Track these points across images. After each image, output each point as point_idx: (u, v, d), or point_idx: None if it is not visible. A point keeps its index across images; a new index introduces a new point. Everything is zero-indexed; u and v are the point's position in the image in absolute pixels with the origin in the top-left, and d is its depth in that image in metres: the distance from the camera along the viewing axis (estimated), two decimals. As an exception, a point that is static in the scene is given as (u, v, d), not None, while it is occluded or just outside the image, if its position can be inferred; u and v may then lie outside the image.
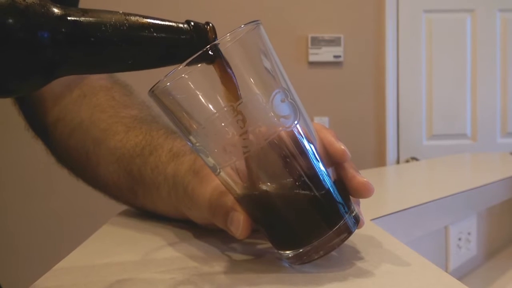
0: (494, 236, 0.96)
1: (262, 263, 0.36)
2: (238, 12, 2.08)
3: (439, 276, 0.32)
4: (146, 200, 0.51)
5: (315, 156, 0.32)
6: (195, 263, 0.36)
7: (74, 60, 0.28)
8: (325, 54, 2.17)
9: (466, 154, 1.78)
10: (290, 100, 0.32)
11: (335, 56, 2.18)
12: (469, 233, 0.83)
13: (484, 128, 2.26)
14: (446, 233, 0.77)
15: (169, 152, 0.48)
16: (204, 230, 0.44)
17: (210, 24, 0.32)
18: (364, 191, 0.34)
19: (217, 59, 0.30)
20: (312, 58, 2.16)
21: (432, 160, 1.63)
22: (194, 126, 0.31)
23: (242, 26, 0.30)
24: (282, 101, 0.31)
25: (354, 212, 0.34)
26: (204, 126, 0.31)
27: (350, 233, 0.33)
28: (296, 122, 0.31)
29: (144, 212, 0.53)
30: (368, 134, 2.24)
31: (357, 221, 0.34)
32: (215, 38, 0.32)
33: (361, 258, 0.36)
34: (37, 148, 0.65)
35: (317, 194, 0.32)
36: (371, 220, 0.52)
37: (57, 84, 0.58)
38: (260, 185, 0.32)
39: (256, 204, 0.33)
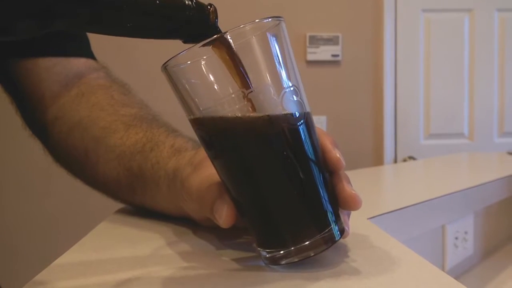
0: (490, 235, 0.96)
1: (259, 261, 0.36)
2: (236, 11, 2.07)
3: (436, 275, 0.32)
4: (145, 197, 0.51)
5: (313, 159, 0.33)
6: (193, 261, 0.36)
7: (73, 14, 0.28)
8: (323, 53, 2.17)
9: (463, 153, 1.79)
10: (300, 100, 0.32)
11: (333, 55, 2.18)
12: (466, 232, 0.83)
13: (481, 127, 2.26)
14: (443, 232, 0.78)
15: (170, 148, 0.48)
16: (202, 227, 0.44)
17: (213, 6, 0.32)
18: (352, 204, 0.34)
19: (217, 42, 0.31)
20: (310, 57, 2.16)
21: (429, 160, 1.63)
22: (201, 107, 0.32)
23: (267, 19, 0.31)
24: (292, 98, 0.32)
25: (341, 223, 0.34)
26: (212, 108, 0.31)
27: (334, 241, 0.33)
28: (301, 121, 0.32)
29: (143, 210, 0.53)
30: (365, 133, 2.24)
31: (341, 232, 0.34)
32: (216, 20, 0.32)
33: (358, 257, 0.36)
34: (34, 147, 0.65)
35: (309, 195, 0.32)
36: (368, 219, 0.52)
37: (55, 83, 0.58)
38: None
39: (247, 196, 0.33)
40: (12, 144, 1.94)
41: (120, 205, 0.58)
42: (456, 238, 0.80)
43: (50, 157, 0.63)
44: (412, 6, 2.24)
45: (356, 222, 0.49)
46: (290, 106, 0.31)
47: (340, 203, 0.34)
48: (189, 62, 0.31)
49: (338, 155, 0.34)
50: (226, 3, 2.12)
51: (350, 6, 2.22)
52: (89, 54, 0.63)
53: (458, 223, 0.81)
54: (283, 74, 0.32)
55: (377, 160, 2.23)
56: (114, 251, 0.40)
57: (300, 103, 0.32)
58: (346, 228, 0.35)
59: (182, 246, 0.41)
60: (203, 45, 0.30)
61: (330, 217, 0.33)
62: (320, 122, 2.15)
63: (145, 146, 0.50)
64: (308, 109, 0.33)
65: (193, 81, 0.32)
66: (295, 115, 0.31)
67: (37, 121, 0.60)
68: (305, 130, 0.32)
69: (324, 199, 0.33)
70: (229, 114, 0.31)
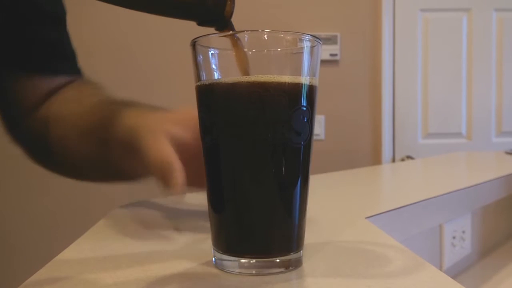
0: (488, 235, 0.96)
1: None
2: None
3: (434, 274, 0.32)
4: (112, 152, 0.50)
5: (300, 180, 0.33)
6: (192, 260, 0.36)
7: None
8: (322, 52, 2.17)
9: (461, 153, 1.79)
10: (309, 122, 0.32)
11: (331, 55, 2.18)
12: (463, 232, 0.83)
13: (479, 127, 2.27)
14: (440, 232, 0.78)
15: (136, 109, 0.50)
16: (200, 226, 0.44)
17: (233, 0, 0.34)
18: None
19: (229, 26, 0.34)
20: (308, 56, 2.16)
21: (427, 159, 1.63)
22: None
23: (307, 35, 0.33)
24: (301, 117, 0.32)
25: (300, 255, 0.34)
26: None
27: (291, 269, 0.33)
28: (302, 143, 0.32)
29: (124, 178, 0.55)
30: (364, 133, 2.24)
31: (299, 263, 0.34)
32: (232, 11, 0.34)
33: (355, 256, 0.36)
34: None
35: (284, 213, 0.32)
36: (366, 218, 0.52)
37: (38, 95, 0.61)
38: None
39: (228, 191, 0.33)
40: (9, 142, 1.94)
41: (118, 204, 0.58)
42: (454, 237, 0.80)
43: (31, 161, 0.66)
44: (410, 6, 2.25)
45: (354, 221, 0.50)
46: (297, 123, 0.31)
47: None
48: (215, 48, 0.32)
49: None
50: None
51: (348, 5, 2.22)
52: (76, 72, 0.65)
53: (456, 222, 0.81)
54: (303, 93, 0.32)
55: (375, 159, 2.23)
56: (111, 249, 0.40)
57: (308, 126, 0.32)
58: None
59: (181, 244, 0.41)
60: (225, 36, 0.32)
61: (297, 242, 0.33)
62: (318, 121, 2.15)
63: (111, 106, 0.53)
64: (312, 135, 0.33)
65: (212, 64, 0.33)
66: (298, 134, 0.31)
67: (20, 128, 0.63)
68: (303, 153, 0.32)
69: (295, 223, 0.33)
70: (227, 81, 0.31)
